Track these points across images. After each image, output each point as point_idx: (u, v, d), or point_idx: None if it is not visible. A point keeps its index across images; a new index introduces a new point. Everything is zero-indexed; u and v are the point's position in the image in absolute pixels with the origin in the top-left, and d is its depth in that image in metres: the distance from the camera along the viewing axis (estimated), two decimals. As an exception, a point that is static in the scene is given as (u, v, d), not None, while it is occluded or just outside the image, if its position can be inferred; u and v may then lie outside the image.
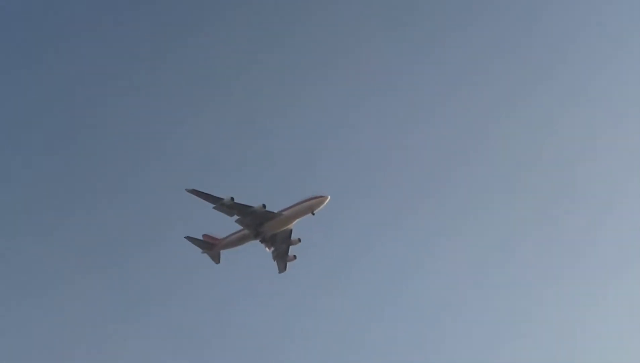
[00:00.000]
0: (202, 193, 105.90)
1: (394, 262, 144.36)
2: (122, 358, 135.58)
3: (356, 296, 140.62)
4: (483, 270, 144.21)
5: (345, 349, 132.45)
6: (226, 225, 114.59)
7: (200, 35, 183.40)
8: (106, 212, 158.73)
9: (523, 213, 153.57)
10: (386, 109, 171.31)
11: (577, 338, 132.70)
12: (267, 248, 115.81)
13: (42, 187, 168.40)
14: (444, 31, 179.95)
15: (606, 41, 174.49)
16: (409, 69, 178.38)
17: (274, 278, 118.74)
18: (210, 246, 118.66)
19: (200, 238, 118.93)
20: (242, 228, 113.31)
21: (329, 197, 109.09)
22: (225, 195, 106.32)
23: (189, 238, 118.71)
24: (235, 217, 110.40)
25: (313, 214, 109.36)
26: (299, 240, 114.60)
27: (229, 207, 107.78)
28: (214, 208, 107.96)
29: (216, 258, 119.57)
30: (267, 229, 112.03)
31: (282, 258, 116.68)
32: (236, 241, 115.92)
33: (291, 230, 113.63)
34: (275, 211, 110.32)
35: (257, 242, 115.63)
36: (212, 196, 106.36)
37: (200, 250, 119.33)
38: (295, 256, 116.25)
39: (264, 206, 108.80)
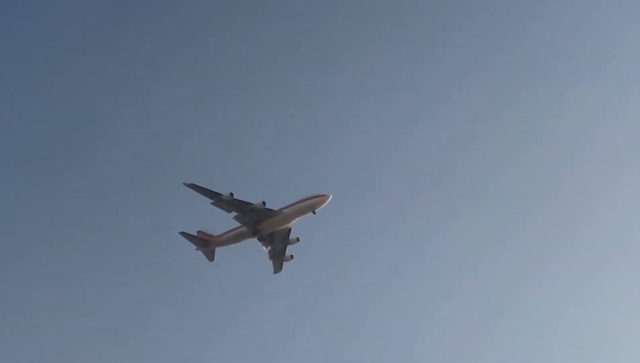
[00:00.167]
0: (201, 187, 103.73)
1: (393, 265, 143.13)
2: (110, 356, 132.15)
3: (353, 299, 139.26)
4: (482, 271, 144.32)
5: (339, 352, 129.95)
6: (222, 223, 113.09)
7: (199, 36, 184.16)
8: (102, 207, 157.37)
9: (523, 214, 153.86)
10: (387, 109, 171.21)
11: (567, 336, 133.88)
12: (264, 247, 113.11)
13: (38, 183, 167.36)
14: (444, 31, 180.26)
15: (606, 41, 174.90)
16: (410, 69, 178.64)
17: (269, 278, 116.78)
18: (206, 243, 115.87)
19: (195, 234, 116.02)
20: (239, 225, 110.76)
21: (331, 196, 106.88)
22: (224, 191, 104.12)
23: (183, 233, 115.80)
24: (234, 214, 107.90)
25: (314, 213, 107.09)
26: (297, 240, 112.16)
27: (227, 203, 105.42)
28: (212, 203, 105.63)
29: (210, 256, 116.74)
30: (266, 227, 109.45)
31: (278, 258, 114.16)
32: (233, 238, 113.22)
33: (290, 229, 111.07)
34: (275, 209, 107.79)
35: (253, 240, 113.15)
36: (210, 191, 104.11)
37: (194, 247, 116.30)
38: (292, 256, 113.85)
39: (264, 203, 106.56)
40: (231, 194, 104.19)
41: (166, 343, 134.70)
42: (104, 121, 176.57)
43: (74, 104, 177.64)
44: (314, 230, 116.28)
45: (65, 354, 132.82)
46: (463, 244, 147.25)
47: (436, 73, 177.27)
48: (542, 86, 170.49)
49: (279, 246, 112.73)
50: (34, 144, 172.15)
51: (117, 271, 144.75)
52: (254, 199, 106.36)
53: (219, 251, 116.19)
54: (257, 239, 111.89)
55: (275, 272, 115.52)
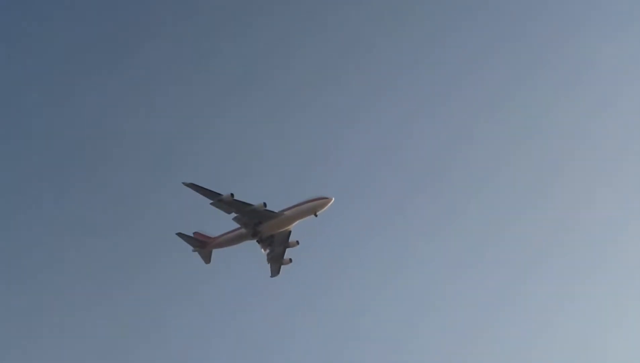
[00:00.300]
0: (201, 187, 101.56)
1: (393, 269, 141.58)
2: (101, 357, 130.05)
3: (351, 303, 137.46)
4: (482, 271, 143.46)
5: (336, 357, 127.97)
6: (220, 224, 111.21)
7: (199, 36, 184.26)
8: (97, 203, 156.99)
9: (523, 213, 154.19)
10: (386, 111, 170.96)
11: (563, 335, 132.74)
12: (262, 249, 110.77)
13: (33, 179, 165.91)
14: (444, 31, 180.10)
15: (606, 41, 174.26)
16: (410, 69, 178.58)
17: (266, 282, 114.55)
18: (202, 244, 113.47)
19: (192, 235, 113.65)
20: (238, 226, 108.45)
21: (333, 199, 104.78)
22: (224, 192, 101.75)
23: (180, 234, 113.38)
24: (233, 215, 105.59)
25: (316, 215, 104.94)
26: (297, 243, 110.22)
27: (228, 204, 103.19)
28: (211, 204, 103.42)
29: (207, 258, 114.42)
30: (266, 229, 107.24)
31: (276, 261, 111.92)
32: (231, 240, 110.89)
33: (290, 232, 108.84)
34: (276, 211, 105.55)
35: (250, 243, 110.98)
36: (210, 191, 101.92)
37: (191, 248, 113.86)
38: (290, 260, 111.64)
39: (265, 204, 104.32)
40: (231, 194, 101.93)
41: (159, 344, 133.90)
42: (103, 120, 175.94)
43: (74, 103, 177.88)
44: (314, 232, 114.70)
45: (57, 355, 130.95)
46: (463, 244, 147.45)
47: (436, 73, 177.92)
48: (542, 86, 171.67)
49: (278, 249, 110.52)
50: (34, 144, 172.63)
51: (112, 271, 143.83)
52: (254, 200, 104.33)
53: (216, 253, 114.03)
54: (256, 241, 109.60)
55: (272, 276, 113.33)
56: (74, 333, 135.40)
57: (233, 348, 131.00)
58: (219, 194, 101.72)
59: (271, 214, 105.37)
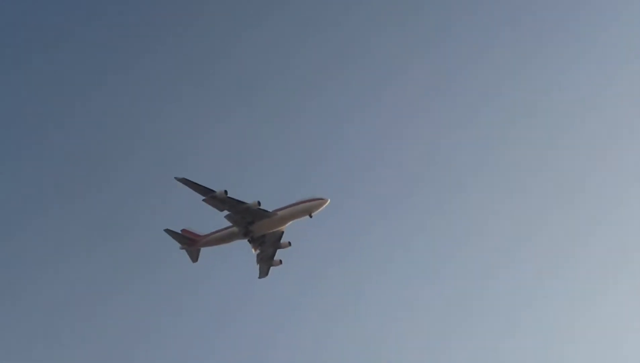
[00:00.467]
0: (193, 183, 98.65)
1: (389, 271, 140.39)
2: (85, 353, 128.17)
3: (339, 310, 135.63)
4: (481, 272, 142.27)
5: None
6: (209, 222, 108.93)
7: (198, 36, 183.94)
8: (92, 200, 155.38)
9: (522, 213, 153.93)
10: (382, 113, 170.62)
11: (575, 338, 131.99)
12: (253, 249, 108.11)
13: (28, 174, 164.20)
14: (443, 31, 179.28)
15: (606, 41, 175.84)
16: (412, 69, 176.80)
17: (253, 283, 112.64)
18: (190, 242, 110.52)
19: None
20: (229, 225, 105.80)
21: (329, 200, 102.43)
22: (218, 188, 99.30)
23: (168, 231, 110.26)
24: (225, 213, 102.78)
25: (311, 216, 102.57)
26: (289, 244, 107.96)
27: (221, 201, 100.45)
28: (203, 200, 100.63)
29: (195, 256, 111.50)
30: (258, 228, 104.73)
31: (266, 262, 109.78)
32: (222, 238, 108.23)
33: (282, 232, 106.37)
34: (270, 210, 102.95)
35: (241, 242, 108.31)
36: (203, 187, 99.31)
37: (179, 245, 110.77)
38: (281, 261, 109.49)
39: (259, 203, 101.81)
40: (225, 191, 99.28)
41: (141, 343, 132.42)
42: (103, 120, 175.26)
43: (74, 103, 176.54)
44: (307, 233, 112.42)
45: (45, 354, 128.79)
46: (457, 246, 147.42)
47: (433, 73, 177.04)
48: (543, 86, 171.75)
49: (268, 250, 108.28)
50: (32, 143, 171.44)
51: (98, 269, 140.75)
52: (248, 199, 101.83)
53: (203, 251, 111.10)
54: (248, 240, 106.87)
55: (260, 277, 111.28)
56: (63, 332, 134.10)
57: (219, 348, 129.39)
58: (212, 190, 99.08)
59: (265, 214, 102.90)
